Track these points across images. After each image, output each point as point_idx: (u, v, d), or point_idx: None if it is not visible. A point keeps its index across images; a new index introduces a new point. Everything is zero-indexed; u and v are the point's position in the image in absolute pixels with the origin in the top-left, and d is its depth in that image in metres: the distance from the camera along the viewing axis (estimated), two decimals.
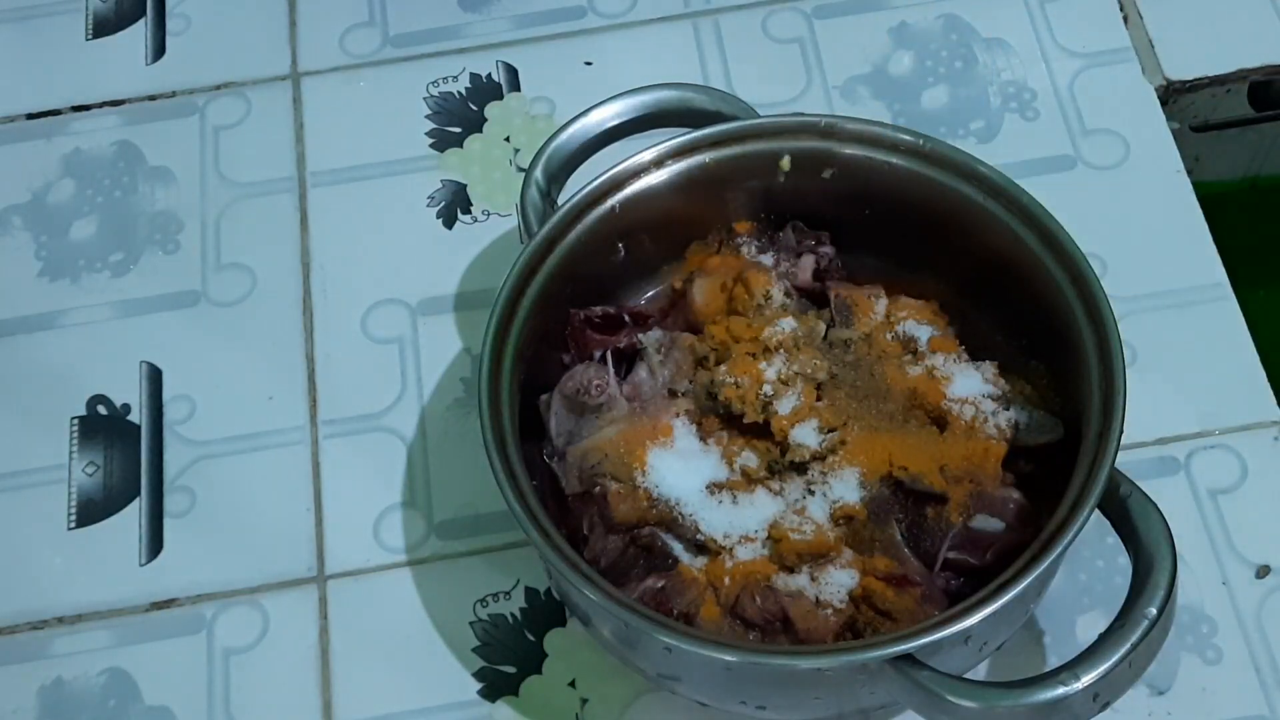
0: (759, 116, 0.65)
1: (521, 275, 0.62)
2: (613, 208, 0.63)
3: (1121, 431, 0.56)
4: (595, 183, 0.63)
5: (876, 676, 0.54)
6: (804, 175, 0.65)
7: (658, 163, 0.64)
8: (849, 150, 0.64)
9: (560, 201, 0.64)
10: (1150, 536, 0.54)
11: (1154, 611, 0.53)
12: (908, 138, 0.63)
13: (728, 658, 0.53)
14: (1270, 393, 0.69)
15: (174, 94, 0.81)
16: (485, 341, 0.60)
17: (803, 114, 0.66)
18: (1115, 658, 0.52)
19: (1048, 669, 0.54)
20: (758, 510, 0.59)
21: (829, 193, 0.65)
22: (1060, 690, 0.51)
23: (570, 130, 0.66)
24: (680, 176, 0.64)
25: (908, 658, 0.53)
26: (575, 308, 0.64)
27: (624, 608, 0.55)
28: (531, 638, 0.65)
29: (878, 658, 0.53)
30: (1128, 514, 0.55)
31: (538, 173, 0.65)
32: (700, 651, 0.54)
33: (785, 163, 0.64)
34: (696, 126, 0.65)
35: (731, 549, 0.59)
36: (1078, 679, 0.51)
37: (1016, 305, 0.63)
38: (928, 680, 0.52)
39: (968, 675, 0.57)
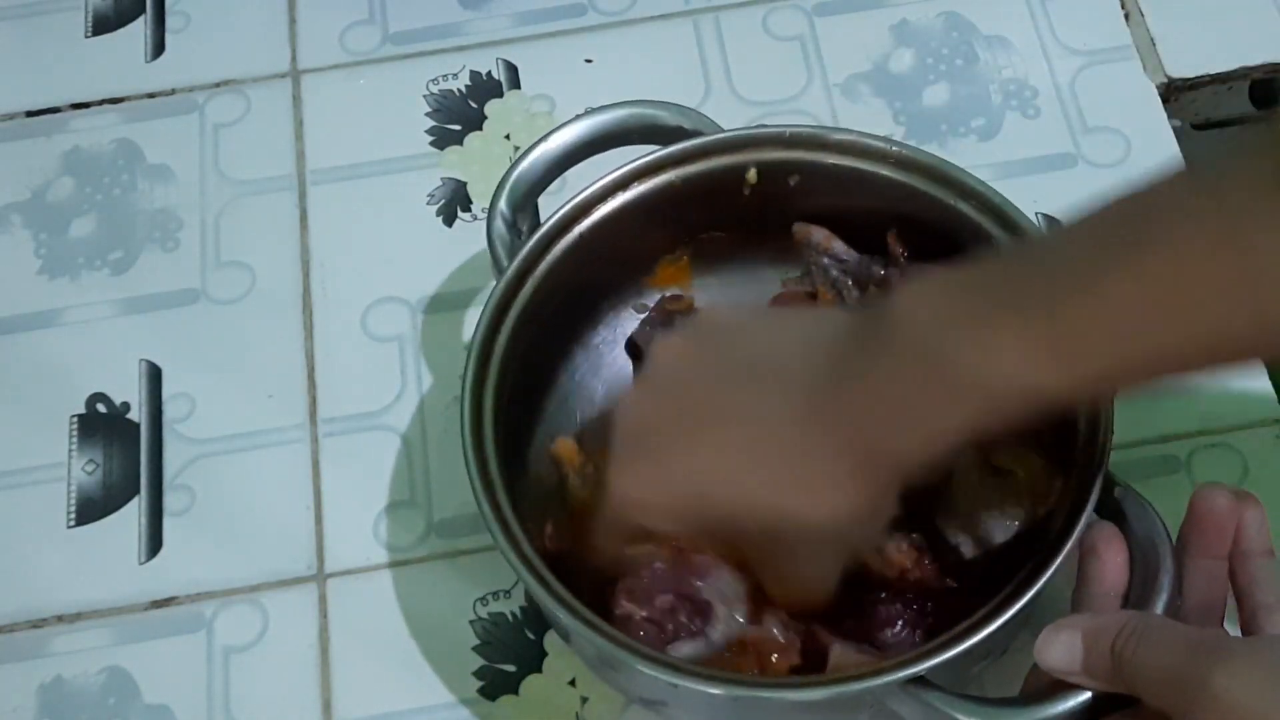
0: (722, 131, 0.65)
1: (495, 312, 0.61)
2: (581, 234, 0.63)
3: (1111, 434, 0.55)
4: (562, 210, 0.63)
5: (884, 698, 0.53)
6: (771, 186, 0.64)
7: (623, 185, 0.63)
8: (814, 157, 0.64)
9: (528, 230, 0.64)
10: (1149, 540, 0.54)
11: (1159, 614, 0.52)
12: (876, 144, 0.63)
13: (715, 690, 0.53)
14: (1271, 391, 0.69)
15: (173, 91, 0.81)
16: (464, 385, 0.59)
17: (765, 125, 0.66)
18: None
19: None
20: None
21: (798, 202, 0.65)
22: (1070, 703, 0.51)
23: (531, 157, 0.65)
24: (646, 197, 0.64)
25: (918, 680, 0.52)
26: (555, 334, 0.64)
27: (602, 635, 0.54)
28: (531, 636, 0.65)
29: (890, 682, 0.52)
30: (1124, 516, 0.55)
31: (502, 204, 0.64)
32: (696, 688, 0.53)
33: (752, 175, 0.64)
34: (660, 143, 0.64)
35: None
36: (1085, 690, 0.51)
37: None
38: (938, 700, 0.52)
39: (966, 680, 0.57)
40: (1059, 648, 0.50)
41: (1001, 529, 0.58)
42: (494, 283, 0.62)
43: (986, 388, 0.48)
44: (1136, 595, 0.54)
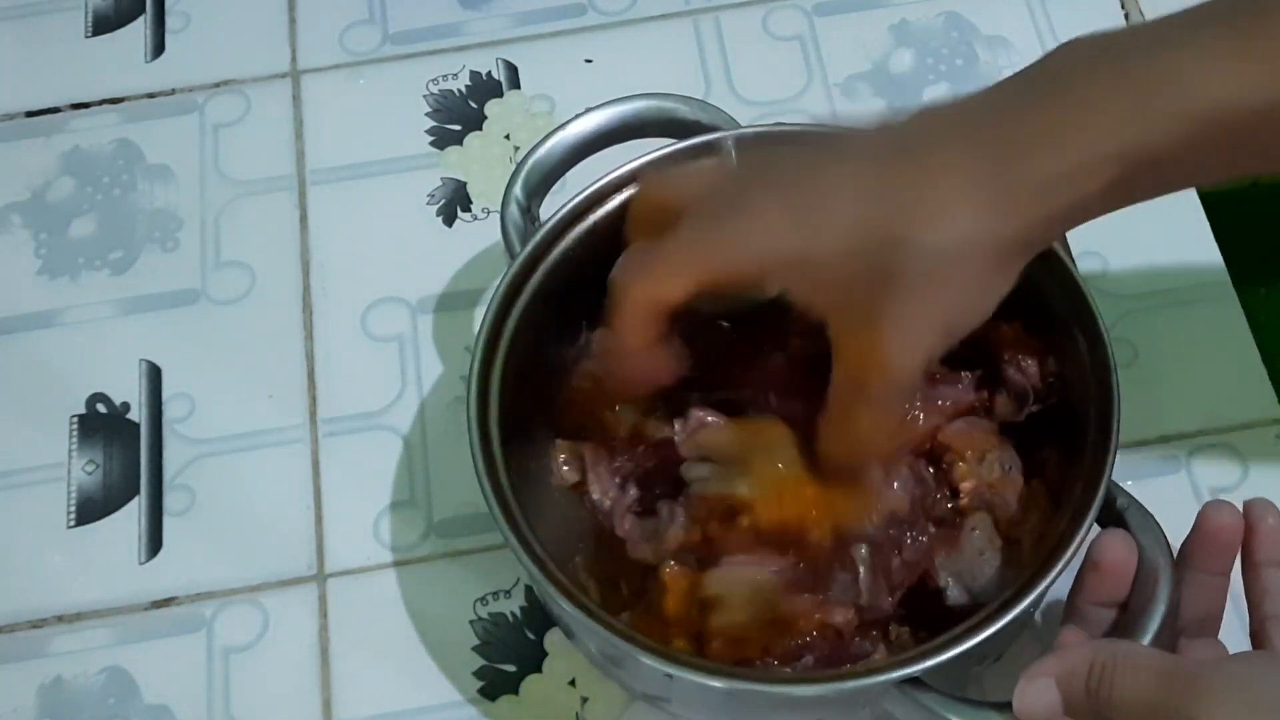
0: (739, 126, 0.65)
1: (506, 296, 0.61)
2: (595, 223, 0.63)
3: (1118, 444, 0.55)
4: (577, 198, 0.62)
5: (879, 698, 0.53)
6: None
7: (639, 176, 0.63)
8: None
9: (542, 217, 0.63)
10: (1150, 554, 0.54)
11: (1155, 625, 0.52)
12: None
13: (717, 684, 0.53)
14: (1271, 391, 0.69)
15: (173, 91, 0.81)
16: (472, 365, 0.59)
17: (782, 123, 0.66)
18: None
19: None
20: None
21: None
22: None
23: (549, 144, 0.65)
24: None
25: (913, 680, 0.52)
26: (565, 321, 0.63)
27: (604, 625, 0.54)
28: (532, 636, 0.65)
29: (883, 681, 0.52)
30: (1125, 527, 0.55)
31: (517, 189, 0.64)
32: (694, 679, 0.53)
33: None
34: (677, 136, 0.64)
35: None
36: None
37: (1006, 315, 0.62)
38: (932, 702, 0.52)
39: (965, 681, 0.58)
40: (1035, 698, 0.49)
41: (995, 593, 0.56)
42: (506, 267, 0.62)
43: (1182, 89, 0.45)
44: (1134, 607, 0.54)
